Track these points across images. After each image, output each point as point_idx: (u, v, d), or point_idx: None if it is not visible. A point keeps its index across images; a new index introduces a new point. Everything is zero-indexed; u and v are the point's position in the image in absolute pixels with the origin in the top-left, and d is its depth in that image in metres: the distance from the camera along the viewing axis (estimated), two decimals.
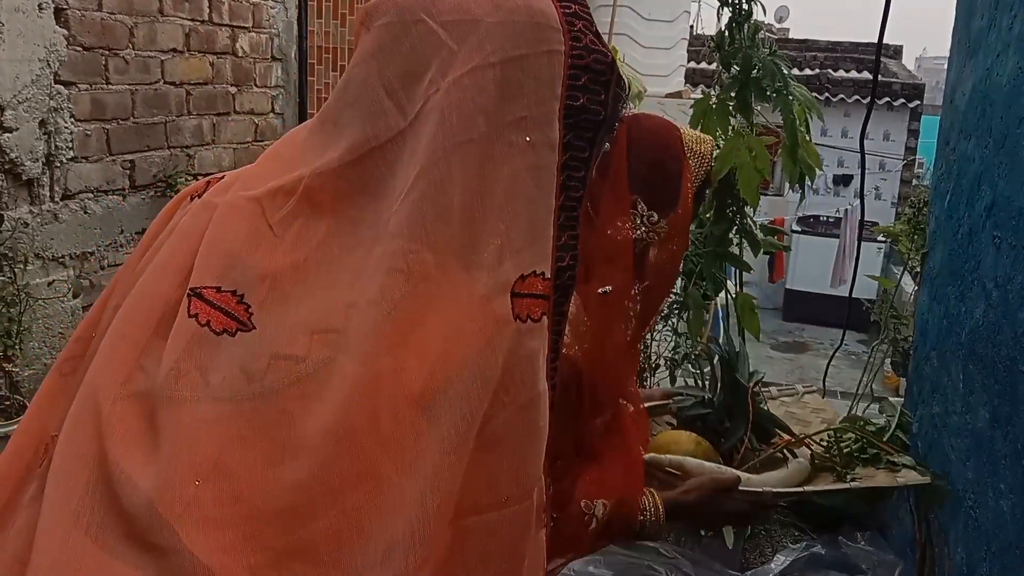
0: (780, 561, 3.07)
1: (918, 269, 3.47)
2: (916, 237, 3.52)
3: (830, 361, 3.94)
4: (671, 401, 2.01)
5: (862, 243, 5.63)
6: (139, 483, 0.92)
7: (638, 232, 1.62)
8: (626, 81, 1.28)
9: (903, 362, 3.65)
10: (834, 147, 10.61)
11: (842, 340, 3.96)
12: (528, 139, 0.98)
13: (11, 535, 1.02)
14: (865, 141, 3.47)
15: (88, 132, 3.82)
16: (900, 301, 3.92)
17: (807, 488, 1.77)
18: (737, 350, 1.99)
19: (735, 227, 3.35)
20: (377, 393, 0.91)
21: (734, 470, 1.75)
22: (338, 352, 0.92)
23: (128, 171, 3.92)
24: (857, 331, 7.11)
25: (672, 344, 3.54)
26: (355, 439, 0.91)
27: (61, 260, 3.60)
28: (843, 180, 10.30)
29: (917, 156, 12.93)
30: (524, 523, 1.03)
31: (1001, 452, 2.02)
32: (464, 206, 0.95)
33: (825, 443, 1.83)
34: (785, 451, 1.85)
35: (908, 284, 4.01)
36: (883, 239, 8.43)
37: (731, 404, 1.89)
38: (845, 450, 1.80)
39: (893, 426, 1.81)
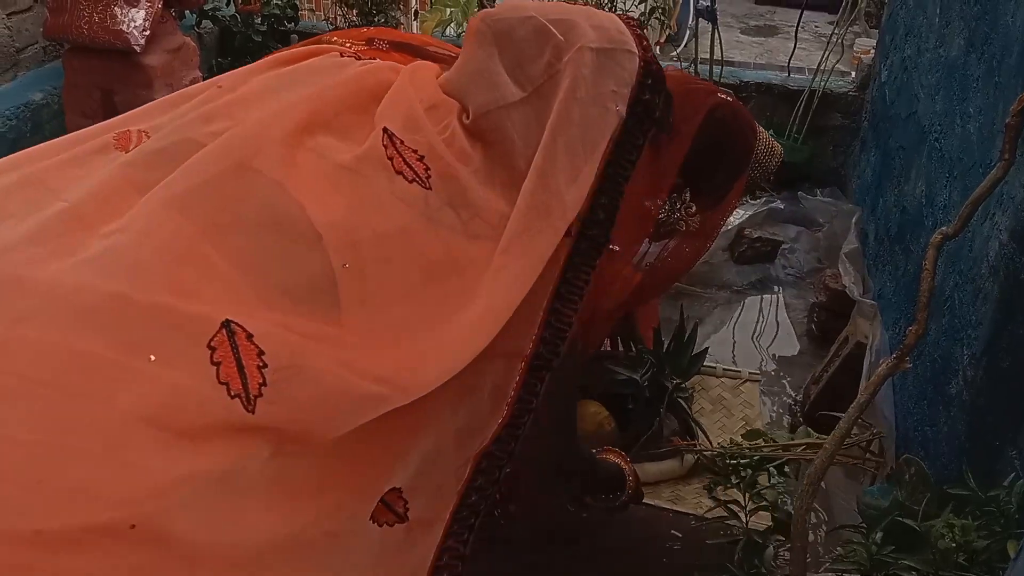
0: (739, 215, 3.10)
1: None
2: None
3: (796, 38, 3.78)
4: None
5: None
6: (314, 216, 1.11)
7: (672, 216, 1.62)
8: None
9: (877, 13, 3.49)
10: None
11: (806, 2, 3.79)
12: (617, 108, 1.28)
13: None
14: None
15: None
16: None
17: (657, 503, 1.88)
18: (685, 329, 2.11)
19: None
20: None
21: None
22: (496, 233, 1.22)
23: None
24: (829, 12, 6.81)
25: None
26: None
27: None
28: None
29: None
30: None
31: (974, 75, 1.95)
32: (566, 147, 1.26)
33: (719, 451, 1.89)
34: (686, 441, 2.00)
35: None
36: None
37: (651, 396, 1.98)
38: (732, 463, 1.85)
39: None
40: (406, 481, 1.18)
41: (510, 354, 1.25)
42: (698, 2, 4.03)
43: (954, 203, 1.98)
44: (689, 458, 1.94)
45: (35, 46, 3.30)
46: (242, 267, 1.06)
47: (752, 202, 3.23)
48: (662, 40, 5.50)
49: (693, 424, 2.01)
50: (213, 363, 0.97)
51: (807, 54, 6.57)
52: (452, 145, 1.27)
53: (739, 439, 1.92)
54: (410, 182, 1.19)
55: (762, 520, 1.67)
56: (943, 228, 1.38)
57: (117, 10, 2.71)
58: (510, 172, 1.27)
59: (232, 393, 0.97)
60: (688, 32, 5.76)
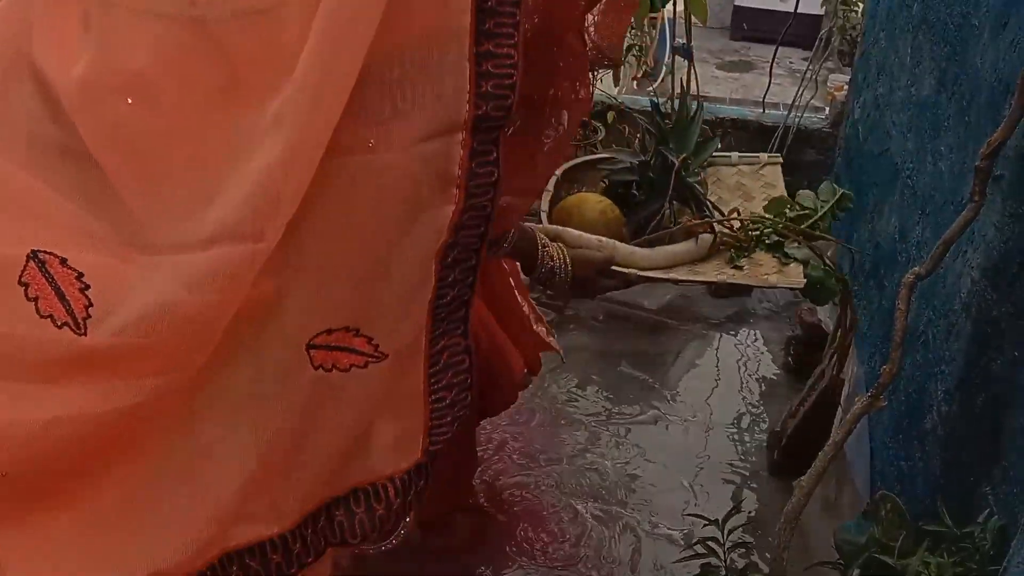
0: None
1: None
2: None
3: (771, 74, 3.84)
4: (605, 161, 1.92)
5: None
6: (56, 79, 0.95)
7: None
8: None
9: (850, 51, 3.56)
10: None
11: (781, 38, 3.84)
12: None
13: None
14: None
15: None
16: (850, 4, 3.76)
17: (671, 276, 1.73)
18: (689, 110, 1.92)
19: None
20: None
21: (617, 245, 1.67)
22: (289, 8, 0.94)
23: None
24: (804, 48, 6.89)
25: None
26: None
27: None
28: None
29: None
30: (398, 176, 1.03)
31: (945, 114, 1.98)
32: None
33: (738, 225, 1.74)
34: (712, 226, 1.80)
35: None
36: None
37: (657, 176, 1.83)
38: (754, 233, 1.69)
39: (821, 210, 1.70)
40: (353, 319, 1.05)
41: (442, 131, 1.01)
42: (674, 39, 4.11)
43: (926, 240, 2.01)
44: (705, 239, 1.76)
45: None
46: (41, 171, 0.96)
47: None
48: (639, 76, 5.58)
49: (708, 205, 1.84)
50: (29, 299, 0.91)
51: (782, 89, 6.67)
52: None
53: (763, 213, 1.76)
54: None
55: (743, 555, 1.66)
56: (915, 268, 1.40)
57: None
58: None
59: (59, 323, 0.91)
60: (664, 68, 5.84)
